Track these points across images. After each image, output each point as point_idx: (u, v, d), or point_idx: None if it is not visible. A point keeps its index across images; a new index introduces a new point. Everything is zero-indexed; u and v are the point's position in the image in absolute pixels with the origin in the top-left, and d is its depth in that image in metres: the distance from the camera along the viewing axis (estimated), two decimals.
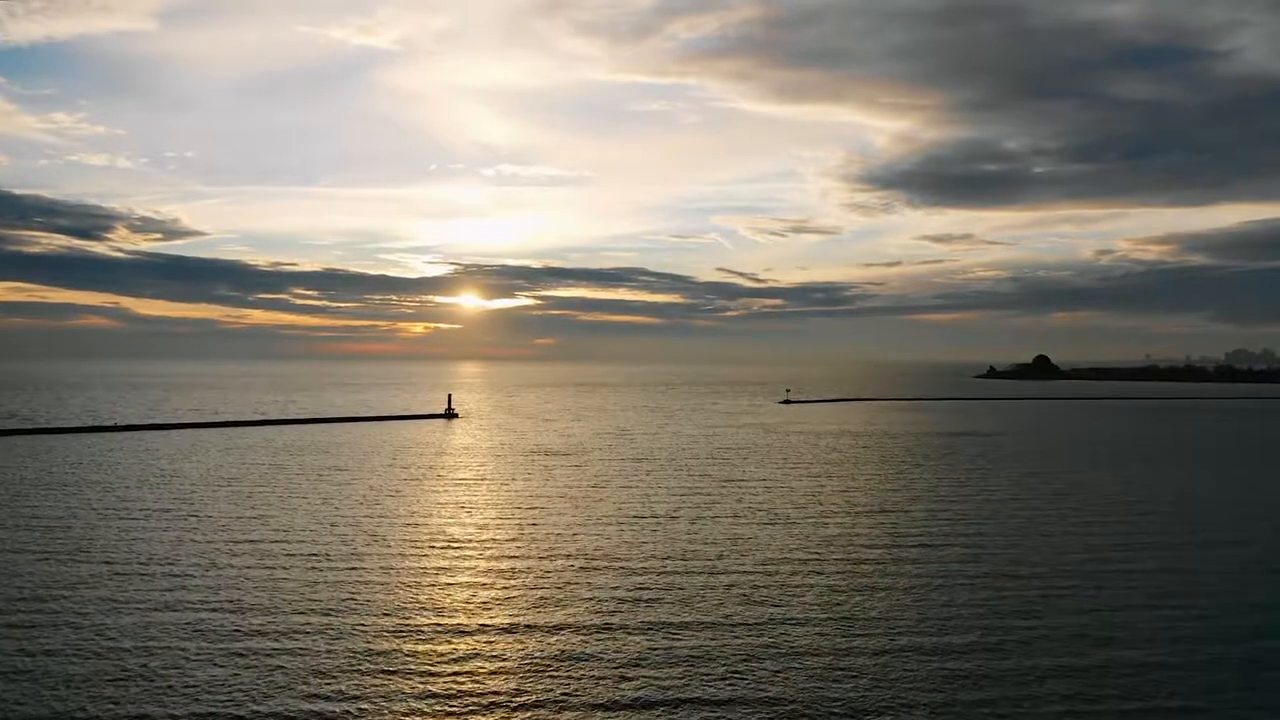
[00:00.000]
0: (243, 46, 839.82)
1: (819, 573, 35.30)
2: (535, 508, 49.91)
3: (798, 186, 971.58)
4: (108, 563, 36.35)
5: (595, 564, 36.54)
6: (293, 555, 37.70)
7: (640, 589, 32.72)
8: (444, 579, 34.32)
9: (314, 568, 35.56)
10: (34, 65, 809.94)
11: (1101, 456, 79.12)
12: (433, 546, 39.97)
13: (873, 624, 28.86)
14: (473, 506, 50.65)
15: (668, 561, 36.99)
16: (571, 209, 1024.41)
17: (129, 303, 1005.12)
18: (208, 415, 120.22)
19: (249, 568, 35.59)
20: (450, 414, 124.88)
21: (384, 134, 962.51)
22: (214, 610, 29.80)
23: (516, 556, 38.06)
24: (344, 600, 31.02)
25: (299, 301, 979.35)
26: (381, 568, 35.80)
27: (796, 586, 33.31)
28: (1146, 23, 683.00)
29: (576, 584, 33.39)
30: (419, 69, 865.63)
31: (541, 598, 31.63)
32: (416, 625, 28.54)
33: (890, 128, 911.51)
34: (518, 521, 45.94)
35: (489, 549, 39.58)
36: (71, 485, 56.80)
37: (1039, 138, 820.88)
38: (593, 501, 51.93)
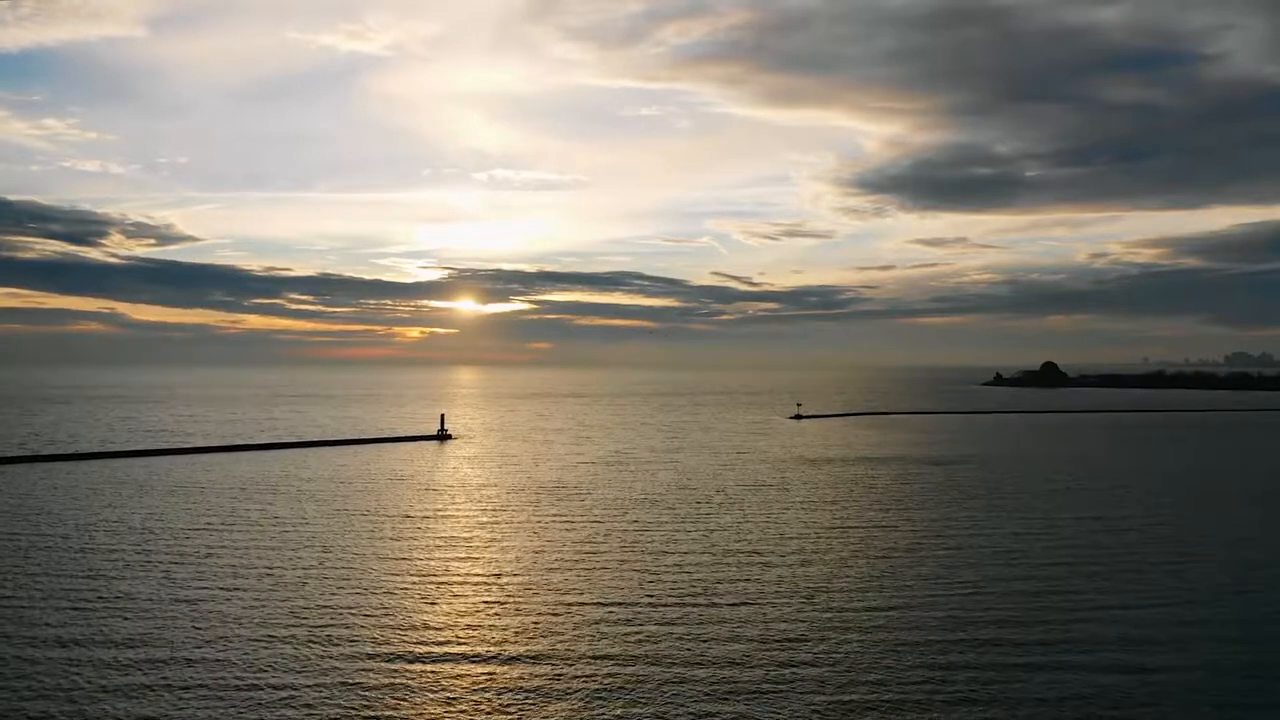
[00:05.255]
0: (233, 52, 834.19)
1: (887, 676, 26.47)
2: (528, 586, 41.04)
3: (790, 191, 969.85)
4: None
5: (602, 685, 27.72)
6: (216, 662, 28.81)
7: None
8: (409, 693, 25.45)
9: (244, 681, 26.64)
10: (25, 71, 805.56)
11: (1168, 493, 70.46)
12: (396, 646, 31.10)
13: None
14: (453, 579, 41.77)
15: (699, 676, 28.14)
16: (565, 213, 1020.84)
17: (124, 308, 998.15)
18: (176, 438, 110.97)
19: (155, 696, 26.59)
20: (443, 435, 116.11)
21: (376, 139, 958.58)
22: None
23: (499, 671, 29.15)
24: None
25: (294, 306, 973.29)
26: (337, 667, 26.91)
27: None
28: (1134, 27, 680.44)
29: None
30: (410, 74, 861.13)
31: None
32: None
33: (880, 132, 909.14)
34: (506, 606, 37.07)
35: (468, 654, 30.66)
36: None
37: (1030, 141, 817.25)
38: (596, 573, 43.11)
